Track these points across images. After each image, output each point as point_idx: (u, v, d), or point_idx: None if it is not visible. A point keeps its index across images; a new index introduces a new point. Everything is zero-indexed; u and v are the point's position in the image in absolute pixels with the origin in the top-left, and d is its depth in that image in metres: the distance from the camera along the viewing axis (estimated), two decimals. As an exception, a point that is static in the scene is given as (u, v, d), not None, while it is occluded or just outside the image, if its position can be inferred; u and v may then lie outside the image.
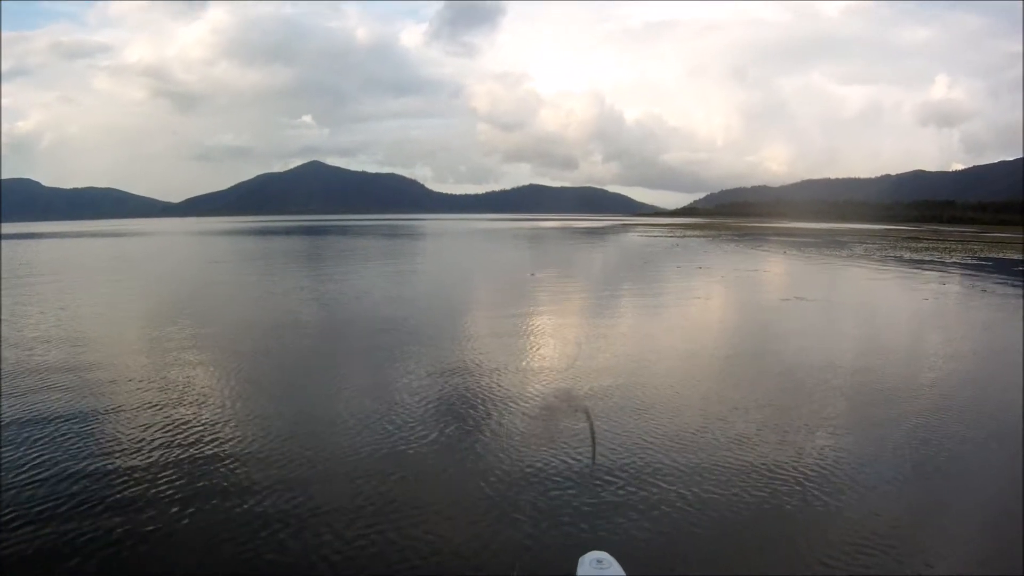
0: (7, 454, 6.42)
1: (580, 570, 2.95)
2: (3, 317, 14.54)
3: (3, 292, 19.39)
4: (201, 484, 5.80)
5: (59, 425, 7.30)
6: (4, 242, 56.84)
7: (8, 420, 7.42)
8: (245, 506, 5.42)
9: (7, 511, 5.26)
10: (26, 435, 6.96)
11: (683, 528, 5.12)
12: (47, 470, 6.09)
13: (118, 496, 5.57)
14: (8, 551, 4.71)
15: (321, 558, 4.70)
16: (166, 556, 4.72)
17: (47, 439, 6.86)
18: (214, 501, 5.49)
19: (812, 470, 6.10)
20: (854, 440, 6.94)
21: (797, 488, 5.74)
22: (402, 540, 4.90)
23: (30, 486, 5.75)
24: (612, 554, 3.04)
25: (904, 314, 16.45)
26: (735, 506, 5.46)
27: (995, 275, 26.51)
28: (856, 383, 9.30)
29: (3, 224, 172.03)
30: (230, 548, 4.81)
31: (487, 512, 5.37)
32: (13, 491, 5.63)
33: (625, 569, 2.95)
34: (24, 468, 6.15)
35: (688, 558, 4.78)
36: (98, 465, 6.21)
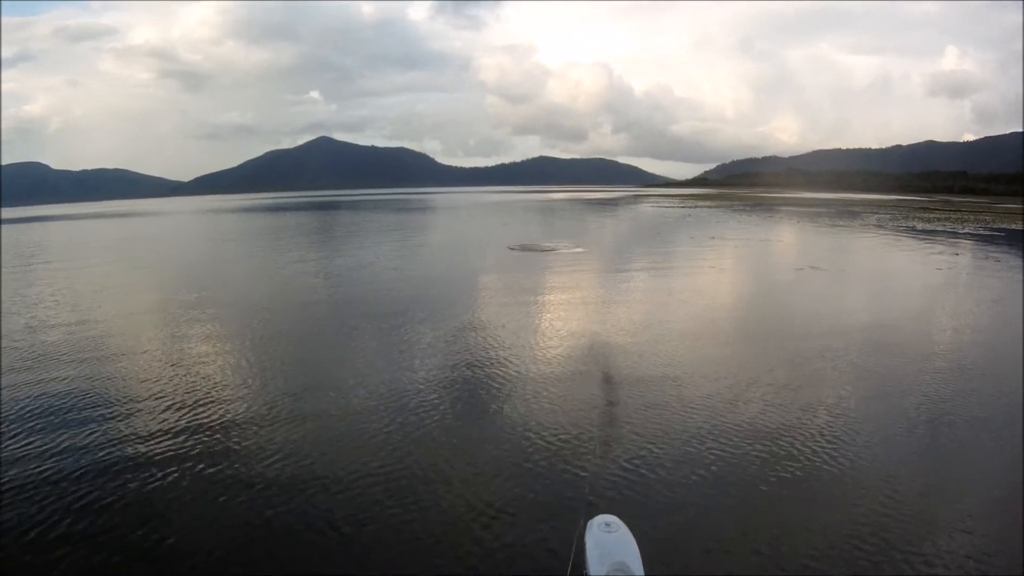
0: (14, 429, 6.76)
1: (588, 533, 3.07)
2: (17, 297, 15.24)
3: (19, 274, 20.14)
4: (204, 450, 6.13)
5: (79, 396, 7.73)
6: (16, 226, 57.16)
7: (11, 402, 7.64)
8: (255, 471, 5.70)
9: (14, 478, 5.57)
10: (37, 405, 7.39)
11: (691, 492, 5.20)
12: (55, 434, 6.54)
13: (125, 460, 5.93)
14: (8, 519, 4.95)
15: (344, 519, 4.89)
16: (171, 517, 4.96)
17: (60, 408, 7.31)
18: (217, 466, 5.78)
19: (825, 438, 6.22)
20: (871, 410, 7.04)
21: (808, 456, 5.83)
22: (416, 499, 5.13)
23: (37, 450, 6.15)
24: (620, 517, 3.15)
25: (920, 283, 16.59)
26: (743, 472, 5.53)
27: (1007, 246, 26.71)
28: (876, 353, 9.43)
29: (13, 208, 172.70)
30: (233, 509, 5.08)
31: (499, 475, 5.54)
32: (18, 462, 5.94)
33: (633, 532, 3.05)
34: (33, 432, 6.60)
35: (694, 520, 4.84)
36: (110, 428, 6.71)
